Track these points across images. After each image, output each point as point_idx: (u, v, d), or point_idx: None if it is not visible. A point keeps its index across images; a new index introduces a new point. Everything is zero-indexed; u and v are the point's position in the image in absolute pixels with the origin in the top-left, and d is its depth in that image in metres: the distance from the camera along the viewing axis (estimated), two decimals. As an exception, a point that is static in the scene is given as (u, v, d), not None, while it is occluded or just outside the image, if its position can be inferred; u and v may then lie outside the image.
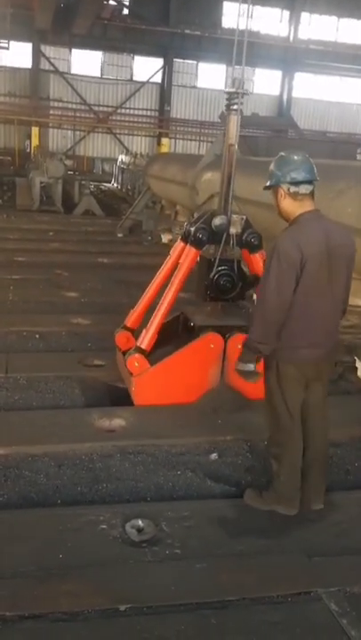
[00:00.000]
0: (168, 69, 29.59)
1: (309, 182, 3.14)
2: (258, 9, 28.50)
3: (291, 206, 3.16)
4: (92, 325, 6.52)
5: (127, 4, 28.05)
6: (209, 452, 4.11)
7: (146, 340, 4.79)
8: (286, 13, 30.06)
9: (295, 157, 3.17)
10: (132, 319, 5.30)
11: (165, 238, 11.41)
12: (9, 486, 3.57)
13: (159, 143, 29.99)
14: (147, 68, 29.71)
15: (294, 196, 3.12)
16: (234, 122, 4.68)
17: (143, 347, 4.78)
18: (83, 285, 8.38)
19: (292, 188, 3.11)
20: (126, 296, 7.49)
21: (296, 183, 3.11)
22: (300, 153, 3.23)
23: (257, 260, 4.83)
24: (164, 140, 29.99)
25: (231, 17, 28.78)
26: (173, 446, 4.12)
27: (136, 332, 5.15)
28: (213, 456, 4.06)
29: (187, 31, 28.24)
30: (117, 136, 30.16)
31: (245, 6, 4.95)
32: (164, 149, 28.87)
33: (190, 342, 4.73)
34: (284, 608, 2.73)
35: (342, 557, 3.09)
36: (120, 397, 5.01)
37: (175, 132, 30.53)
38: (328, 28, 30.70)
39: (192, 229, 4.71)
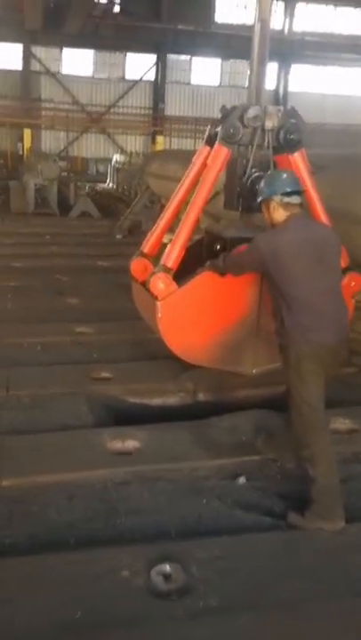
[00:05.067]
0: (161, 66, 29.12)
1: (298, 193, 3.44)
2: (252, 1, 28.21)
3: (282, 216, 3.42)
4: (97, 334, 6.12)
5: (118, 1, 27.59)
6: (235, 475, 3.70)
7: (172, 256, 4.22)
8: (281, 4, 29.59)
9: (284, 174, 3.59)
10: (149, 244, 4.78)
11: (167, 238, 10.98)
12: (15, 525, 3.14)
13: (154, 141, 29.53)
14: (140, 65, 29.20)
15: (286, 206, 3.40)
16: None
17: (169, 265, 4.21)
18: (84, 290, 7.98)
19: (286, 199, 3.39)
20: (131, 301, 7.07)
21: (288, 194, 3.40)
22: (287, 170, 3.72)
23: (296, 162, 4.24)
24: (159, 139, 29.54)
25: (224, 11, 28.47)
26: (195, 470, 3.72)
27: (155, 260, 4.64)
28: (241, 480, 3.64)
29: (180, 26, 27.69)
30: (111, 136, 29.69)
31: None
32: (159, 147, 28.41)
33: None
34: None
35: None
36: (131, 413, 4.62)
37: (170, 130, 30.06)
38: (325, 18, 30.21)
39: (220, 126, 4.20)
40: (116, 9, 27.43)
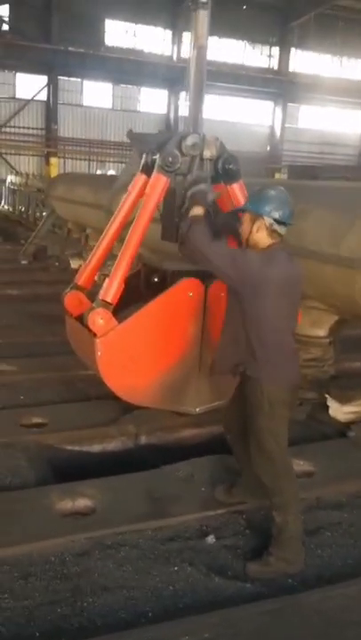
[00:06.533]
0: (53, 87, 28.52)
1: (286, 225, 3.14)
2: (141, 28, 28.60)
3: (263, 239, 3.12)
4: (20, 372, 5.57)
5: (7, 19, 26.82)
6: (202, 532, 3.37)
7: (111, 290, 3.99)
8: (169, 33, 30.03)
9: (284, 198, 3.14)
10: (83, 276, 4.50)
11: (75, 264, 10.53)
12: None
13: (48, 163, 28.81)
14: (31, 85, 28.42)
15: (272, 232, 3.10)
16: (203, 18, 4.12)
17: (108, 299, 3.98)
18: (-5, 322, 7.38)
19: (275, 226, 3.09)
20: (49, 333, 6.61)
21: (280, 223, 3.09)
22: (285, 194, 3.18)
23: (235, 193, 4.10)
24: (53, 160, 28.83)
25: (114, 35, 28.48)
26: (159, 530, 3.35)
27: (90, 293, 4.41)
28: (210, 539, 3.31)
29: (70, 48, 27.33)
30: (3, 156, 28.65)
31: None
32: (54, 169, 27.73)
33: (163, 291, 4.04)
34: None
35: None
36: (70, 464, 4.19)
37: (64, 152, 29.51)
38: (210, 48, 30.87)
39: (157, 155, 4.03)
40: (5, 27, 26.71)
